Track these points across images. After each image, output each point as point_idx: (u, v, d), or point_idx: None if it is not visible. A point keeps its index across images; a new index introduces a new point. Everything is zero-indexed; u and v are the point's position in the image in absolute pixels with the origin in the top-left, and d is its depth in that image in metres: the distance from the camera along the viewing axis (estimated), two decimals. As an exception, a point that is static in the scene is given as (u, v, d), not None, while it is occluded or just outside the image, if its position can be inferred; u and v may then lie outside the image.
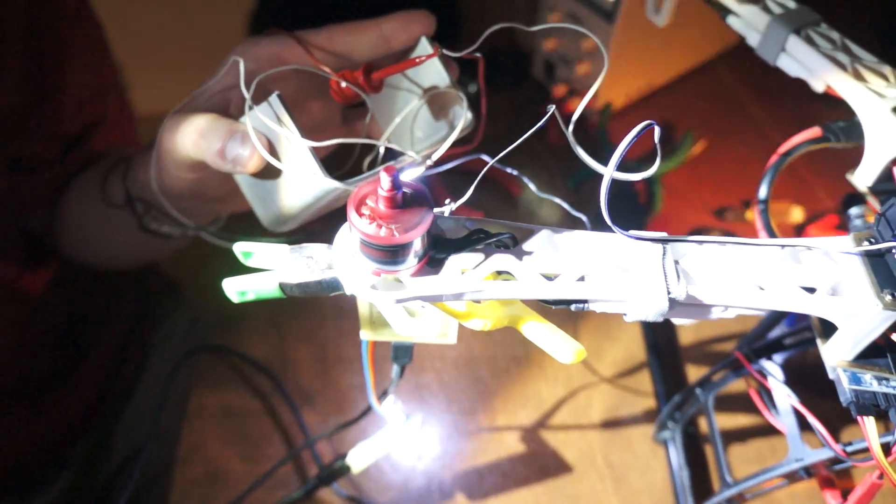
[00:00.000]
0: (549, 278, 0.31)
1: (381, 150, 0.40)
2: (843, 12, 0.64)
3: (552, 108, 0.33)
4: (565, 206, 0.41)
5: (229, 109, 0.40)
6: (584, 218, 0.40)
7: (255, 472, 0.54)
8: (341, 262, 0.30)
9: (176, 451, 0.56)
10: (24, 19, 0.50)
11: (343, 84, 0.39)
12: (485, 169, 0.33)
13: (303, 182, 0.37)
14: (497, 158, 0.34)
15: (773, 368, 0.44)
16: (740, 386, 0.49)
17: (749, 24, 0.45)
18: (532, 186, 0.41)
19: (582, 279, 0.31)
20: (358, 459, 0.50)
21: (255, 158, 0.36)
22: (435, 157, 0.37)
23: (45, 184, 0.56)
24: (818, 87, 0.43)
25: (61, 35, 0.53)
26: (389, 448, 0.50)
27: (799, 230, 0.70)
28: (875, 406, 0.34)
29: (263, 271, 0.32)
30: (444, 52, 0.39)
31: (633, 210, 0.71)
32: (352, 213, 0.28)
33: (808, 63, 0.43)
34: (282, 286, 0.32)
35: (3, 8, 0.48)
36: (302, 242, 0.32)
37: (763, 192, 0.43)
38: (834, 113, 0.42)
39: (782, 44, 0.44)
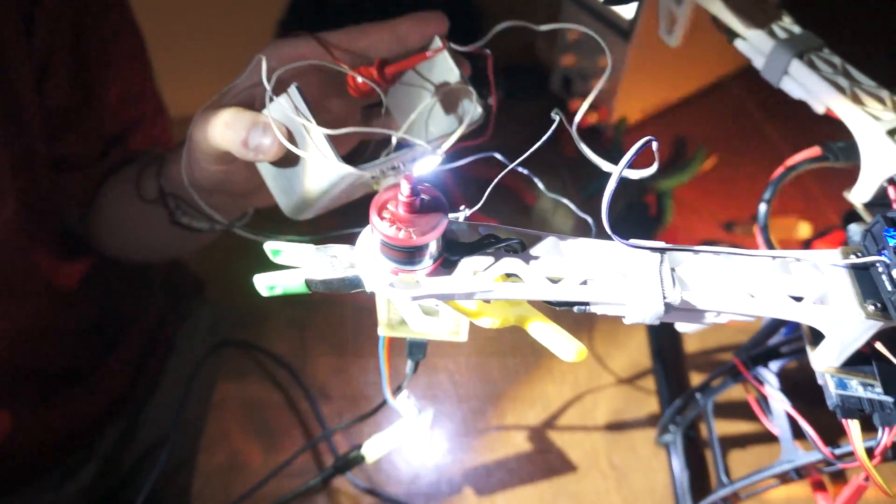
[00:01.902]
0: (553, 281, 0.33)
1: (394, 141, 0.41)
2: (852, 32, 0.66)
3: (558, 116, 0.36)
4: (572, 206, 0.43)
5: (255, 105, 0.43)
6: (589, 220, 0.42)
7: (274, 461, 0.56)
8: (363, 261, 0.33)
9: (200, 440, 0.59)
10: (72, 27, 0.53)
11: (359, 79, 0.42)
12: (500, 175, 0.36)
13: (319, 168, 0.39)
14: (515, 164, 0.36)
15: (768, 375, 0.46)
16: (741, 392, 0.51)
17: (755, 47, 0.48)
18: (541, 185, 0.43)
19: (584, 283, 0.34)
20: (372, 450, 0.53)
21: (275, 146, 0.39)
22: (445, 146, 0.39)
23: (85, 181, 0.60)
24: (819, 108, 0.45)
25: (106, 42, 0.56)
26: (402, 440, 0.53)
27: (806, 245, 0.72)
28: (860, 410, 0.36)
29: (290, 268, 0.35)
30: (453, 46, 0.41)
31: (643, 222, 0.73)
32: (373, 216, 0.31)
33: (809, 86, 0.45)
34: (308, 282, 0.34)
35: (54, 17, 0.51)
36: (327, 243, 0.35)
37: (763, 205, 0.45)
38: (843, 133, 0.44)
39: (785, 67, 0.46)
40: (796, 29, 0.47)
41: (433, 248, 0.32)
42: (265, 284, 0.35)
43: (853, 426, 0.36)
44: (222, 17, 1.04)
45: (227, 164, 0.43)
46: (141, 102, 0.62)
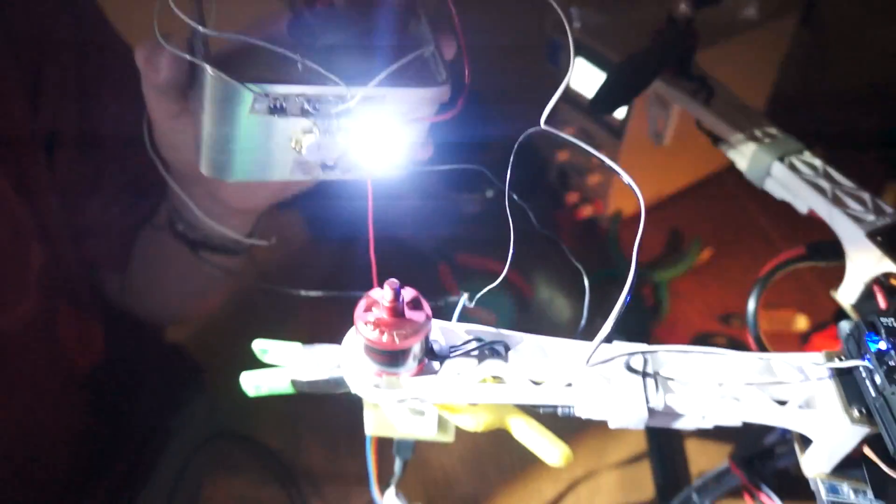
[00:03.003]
0: (537, 384, 0.33)
1: (300, 68, 0.33)
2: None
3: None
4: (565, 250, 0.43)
5: None
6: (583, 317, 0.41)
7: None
8: (348, 362, 0.34)
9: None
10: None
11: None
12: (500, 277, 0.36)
13: (207, 85, 0.33)
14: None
15: (764, 476, 0.45)
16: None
17: (737, 150, 0.49)
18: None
19: (569, 385, 0.34)
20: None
21: (164, 57, 0.37)
22: (372, 84, 0.33)
23: (117, 242, 0.59)
24: (802, 209, 0.46)
25: None
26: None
27: (804, 339, 0.71)
28: (853, 517, 0.35)
29: (277, 367, 0.35)
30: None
31: (639, 314, 0.73)
32: (357, 320, 0.32)
33: (791, 188, 0.46)
34: (293, 383, 0.35)
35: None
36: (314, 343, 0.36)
37: (751, 306, 0.46)
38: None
39: (767, 170, 0.47)
40: (777, 133, 0.49)
41: (417, 350, 0.32)
42: (252, 384, 0.36)
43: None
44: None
45: (174, 102, 0.40)
46: None
